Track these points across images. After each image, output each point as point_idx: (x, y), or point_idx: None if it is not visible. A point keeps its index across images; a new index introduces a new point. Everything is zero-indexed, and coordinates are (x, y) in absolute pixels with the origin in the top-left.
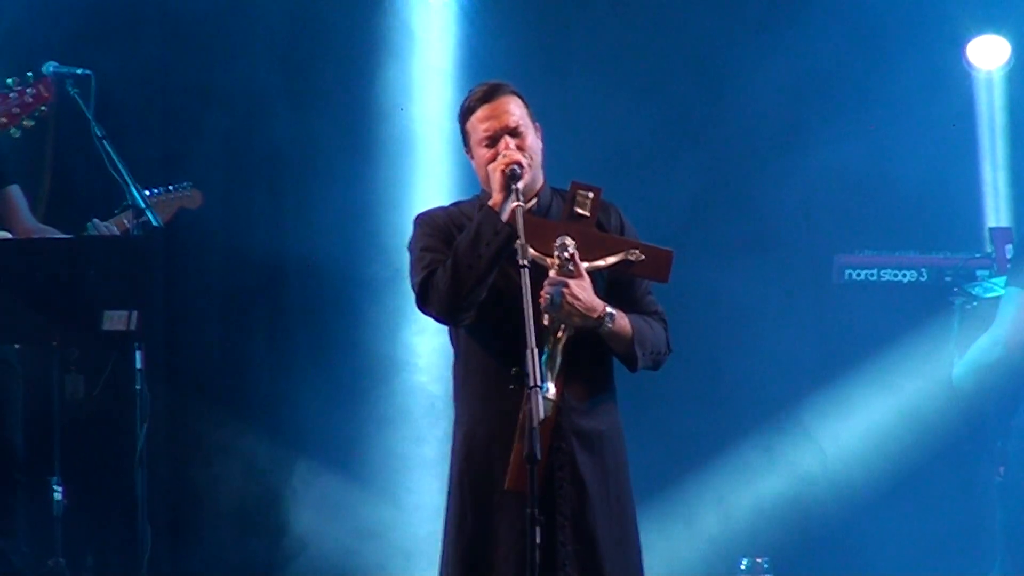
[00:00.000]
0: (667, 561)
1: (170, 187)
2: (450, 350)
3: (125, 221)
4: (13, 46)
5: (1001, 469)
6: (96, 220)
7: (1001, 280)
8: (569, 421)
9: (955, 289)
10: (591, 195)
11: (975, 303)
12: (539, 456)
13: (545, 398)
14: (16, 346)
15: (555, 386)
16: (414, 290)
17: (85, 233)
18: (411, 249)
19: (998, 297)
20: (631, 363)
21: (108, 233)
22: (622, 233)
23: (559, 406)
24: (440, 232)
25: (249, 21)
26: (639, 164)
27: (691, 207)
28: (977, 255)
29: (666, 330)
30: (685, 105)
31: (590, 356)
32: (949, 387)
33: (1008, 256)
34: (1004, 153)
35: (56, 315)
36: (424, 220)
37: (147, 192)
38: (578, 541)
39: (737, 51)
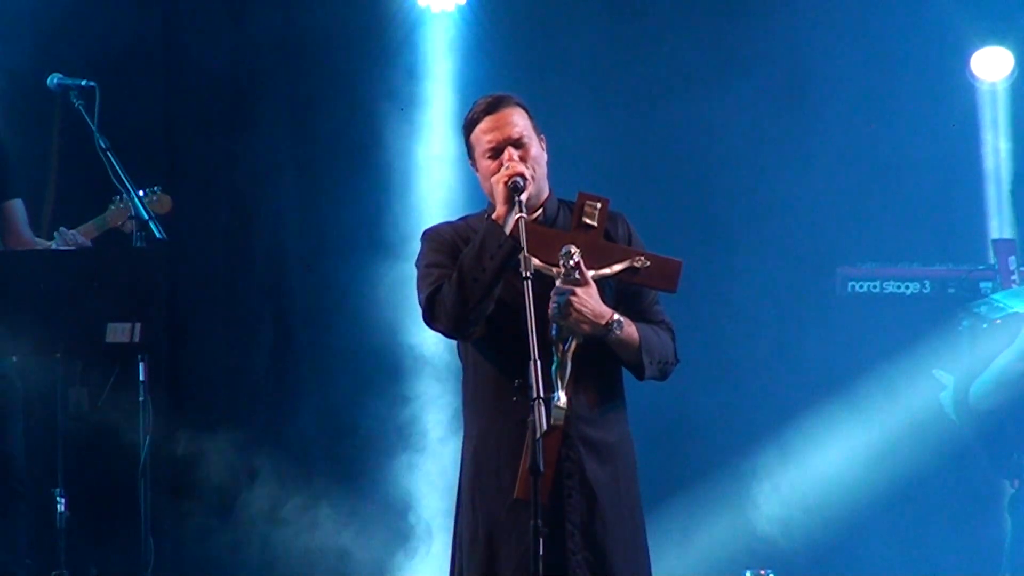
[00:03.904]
0: (674, 570)
1: (140, 192)
2: (455, 360)
3: (94, 229)
4: (15, 56)
5: (1015, 481)
6: (63, 228)
7: (1003, 295)
8: (577, 430)
9: (961, 311)
10: (599, 205)
11: (985, 325)
12: (542, 468)
13: (556, 406)
14: (14, 359)
15: (565, 394)
16: (421, 306)
17: (52, 242)
18: (418, 265)
19: (1015, 314)
20: (638, 371)
21: (74, 242)
22: (629, 242)
23: (568, 415)
24: (446, 247)
25: (250, 29)
26: (642, 175)
27: (693, 218)
28: (980, 267)
29: (674, 340)
30: (686, 115)
31: (598, 365)
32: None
33: (1011, 268)
34: (1007, 165)
35: (59, 327)
36: (430, 235)
37: (117, 197)
38: (587, 549)
39: (739, 61)
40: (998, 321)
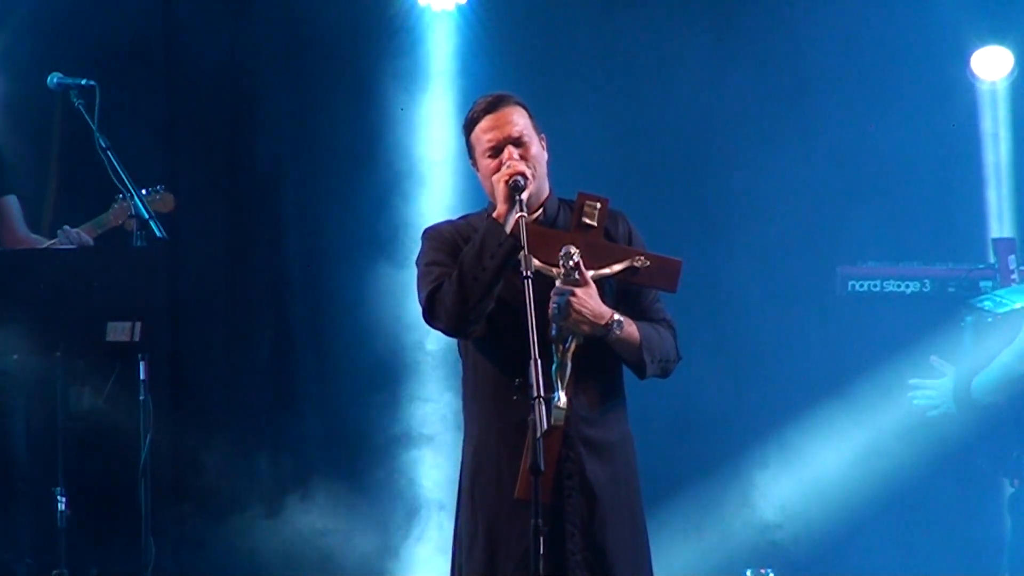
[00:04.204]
0: (675, 569)
1: (142, 191)
2: (456, 360)
3: (95, 228)
4: (15, 56)
5: (1015, 481)
6: (67, 227)
7: (1007, 291)
8: (577, 430)
9: (964, 307)
10: (598, 205)
11: (989, 319)
12: (543, 468)
13: (556, 407)
14: (15, 357)
15: (565, 394)
16: (421, 304)
17: (56, 240)
18: (418, 264)
19: (1019, 309)
20: (640, 371)
21: (79, 241)
22: (630, 241)
23: (568, 415)
24: (447, 246)
25: (250, 28)
26: (642, 174)
27: (693, 218)
28: (980, 266)
29: (675, 337)
30: (687, 115)
31: (599, 365)
32: (967, 400)
33: (1011, 267)
34: (1007, 164)
35: (60, 326)
36: (431, 234)
37: (120, 196)
38: (588, 549)
39: (739, 61)
40: (1000, 315)
